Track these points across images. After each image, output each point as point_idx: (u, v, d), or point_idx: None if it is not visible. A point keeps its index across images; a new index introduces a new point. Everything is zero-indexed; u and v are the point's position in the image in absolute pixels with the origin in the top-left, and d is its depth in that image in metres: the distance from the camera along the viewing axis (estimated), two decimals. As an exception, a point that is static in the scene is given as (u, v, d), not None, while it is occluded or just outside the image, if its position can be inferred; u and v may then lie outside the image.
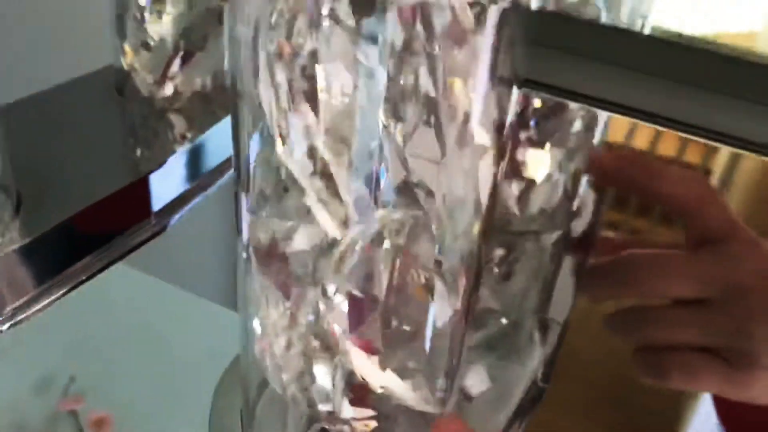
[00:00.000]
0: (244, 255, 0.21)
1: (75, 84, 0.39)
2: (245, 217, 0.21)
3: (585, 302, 0.33)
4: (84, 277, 0.34)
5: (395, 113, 0.17)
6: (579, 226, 0.37)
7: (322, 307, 0.20)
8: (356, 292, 0.19)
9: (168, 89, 0.39)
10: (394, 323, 0.20)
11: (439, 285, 0.20)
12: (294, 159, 0.18)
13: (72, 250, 0.34)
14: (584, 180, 0.38)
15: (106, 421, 0.87)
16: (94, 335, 0.81)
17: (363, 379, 0.23)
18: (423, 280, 0.20)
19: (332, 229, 0.19)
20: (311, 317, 0.22)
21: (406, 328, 0.21)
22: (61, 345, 0.79)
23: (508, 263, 0.36)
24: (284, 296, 0.22)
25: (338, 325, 0.20)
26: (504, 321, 0.33)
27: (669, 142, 2.31)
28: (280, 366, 0.24)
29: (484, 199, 0.20)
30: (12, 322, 0.32)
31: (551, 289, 0.32)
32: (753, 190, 2.03)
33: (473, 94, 0.17)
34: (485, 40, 0.16)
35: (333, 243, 0.20)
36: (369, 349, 0.20)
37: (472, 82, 0.17)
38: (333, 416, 0.25)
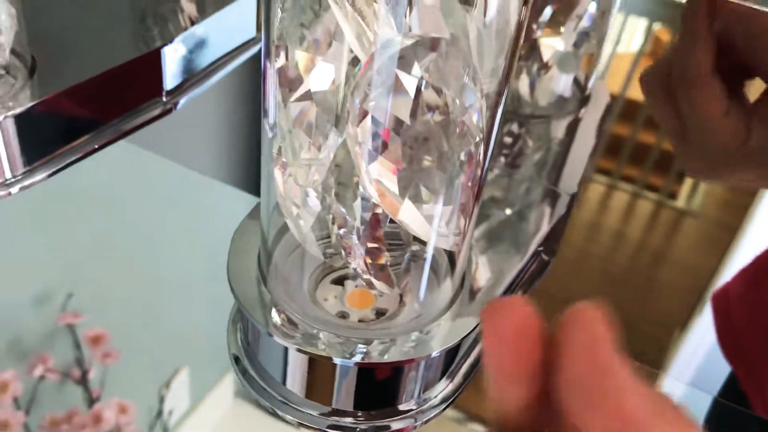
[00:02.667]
0: (270, 92, 0.22)
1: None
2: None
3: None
4: (96, 146, 0.34)
5: None
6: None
7: (349, 129, 0.21)
8: (382, 111, 0.20)
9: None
10: (416, 149, 0.21)
11: (463, 116, 0.20)
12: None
13: (83, 119, 0.34)
14: (595, 68, 0.38)
15: (102, 337, 0.88)
16: (95, 251, 0.81)
17: (378, 216, 0.23)
18: (447, 106, 0.20)
19: (358, 49, 0.19)
20: (333, 153, 0.22)
21: (428, 159, 0.21)
22: (61, 260, 0.79)
23: (515, 152, 0.36)
24: (307, 134, 0.22)
25: (363, 146, 0.20)
26: (508, 212, 0.34)
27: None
28: (299, 211, 0.24)
29: (511, 33, 0.20)
30: (21, 185, 0.33)
31: (561, 165, 0.33)
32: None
33: None
34: None
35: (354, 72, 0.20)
36: (391, 170, 0.20)
37: None
38: (349, 261, 0.26)
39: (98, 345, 0.88)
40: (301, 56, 0.21)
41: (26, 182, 0.33)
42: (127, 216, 0.77)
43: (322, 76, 0.21)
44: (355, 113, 0.20)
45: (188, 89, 0.38)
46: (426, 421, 0.26)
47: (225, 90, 0.54)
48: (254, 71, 0.61)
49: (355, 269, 0.25)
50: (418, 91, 0.20)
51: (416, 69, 0.19)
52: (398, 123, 0.20)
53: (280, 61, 0.21)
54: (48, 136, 0.33)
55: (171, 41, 0.36)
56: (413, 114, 0.20)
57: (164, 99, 0.37)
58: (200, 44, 0.38)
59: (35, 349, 0.85)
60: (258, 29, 0.42)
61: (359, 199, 0.22)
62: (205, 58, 0.39)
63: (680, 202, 2.28)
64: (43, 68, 0.33)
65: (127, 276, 0.87)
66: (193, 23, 0.38)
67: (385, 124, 0.20)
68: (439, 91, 0.20)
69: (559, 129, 0.35)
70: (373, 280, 0.24)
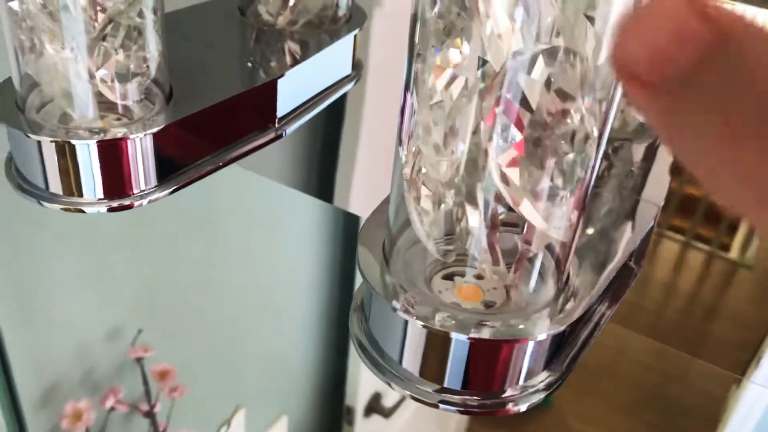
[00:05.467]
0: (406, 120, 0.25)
1: (204, 5, 0.44)
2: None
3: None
4: (220, 164, 0.38)
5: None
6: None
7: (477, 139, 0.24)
8: (512, 101, 0.23)
9: (286, 15, 0.44)
10: (540, 146, 0.24)
11: (579, 112, 0.23)
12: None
13: (207, 142, 0.38)
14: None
15: (170, 372, 0.92)
16: (168, 286, 0.85)
17: (497, 212, 0.26)
18: (568, 110, 0.23)
19: (492, 53, 0.23)
20: (463, 157, 0.25)
21: (550, 156, 0.24)
22: (133, 295, 0.83)
23: (600, 173, 0.39)
24: (440, 138, 0.25)
25: (493, 140, 0.23)
26: (590, 231, 0.37)
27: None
28: (422, 211, 0.28)
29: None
30: (150, 198, 0.36)
31: (645, 178, 0.35)
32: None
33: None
34: None
35: (486, 73, 0.24)
36: (514, 162, 0.23)
37: None
38: (460, 258, 0.29)
39: (165, 380, 0.91)
40: (436, 68, 0.25)
41: (155, 196, 0.37)
42: (212, 239, 0.81)
43: (455, 85, 0.25)
44: (489, 111, 0.23)
45: (296, 118, 0.42)
46: (529, 406, 0.29)
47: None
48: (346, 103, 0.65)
49: (473, 258, 0.28)
50: (544, 92, 0.23)
51: (542, 72, 0.23)
52: (524, 118, 0.23)
53: (422, 72, 0.25)
54: (177, 156, 0.37)
55: (283, 75, 0.40)
56: (539, 112, 0.23)
57: (276, 126, 0.41)
58: (307, 78, 0.42)
59: (107, 381, 0.88)
60: (353, 67, 0.46)
61: (483, 193, 0.25)
62: (310, 91, 0.43)
63: (733, 253, 2.25)
64: (178, 97, 0.37)
65: (196, 310, 0.91)
66: (296, 62, 0.42)
67: (514, 120, 0.23)
68: (562, 95, 0.23)
69: (640, 151, 0.38)
70: (487, 268, 0.27)
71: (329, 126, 0.50)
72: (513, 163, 0.24)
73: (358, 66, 0.47)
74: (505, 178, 0.24)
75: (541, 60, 0.23)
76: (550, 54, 0.23)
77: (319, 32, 0.44)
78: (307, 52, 0.43)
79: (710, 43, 0.13)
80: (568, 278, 0.30)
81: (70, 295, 0.75)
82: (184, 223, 0.76)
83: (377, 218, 0.30)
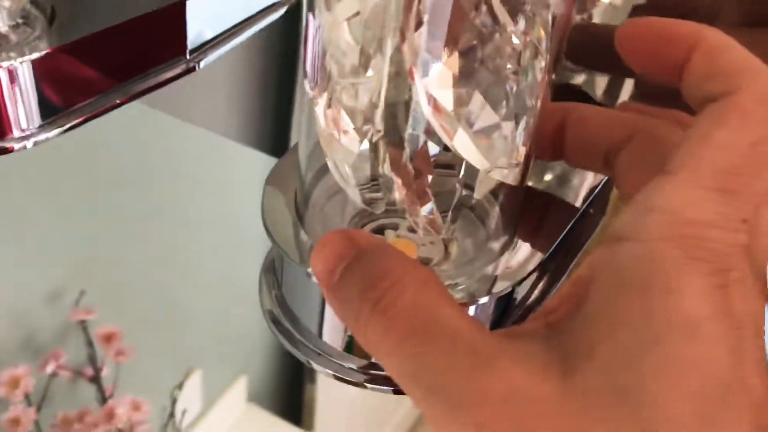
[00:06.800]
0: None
1: None
2: None
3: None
4: (117, 101, 0.33)
5: None
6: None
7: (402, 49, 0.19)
8: (440, 19, 0.18)
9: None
10: (475, 63, 0.19)
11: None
12: None
13: (102, 73, 0.33)
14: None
15: (115, 335, 0.86)
16: (110, 248, 0.79)
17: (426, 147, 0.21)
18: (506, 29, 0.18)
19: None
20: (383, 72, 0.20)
21: (486, 76, 0.19)
22: (74, 257, 0.78)
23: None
24: (353, 53, 0.20)
25: (419, 58, 0.18)
26: (550, 176, 0.32)
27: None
28: (342, 153, 0.23)
29: None
30: (36, 139, 0.31)
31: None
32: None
33: None
34: None
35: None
36: (448, 84, 0.18)
37: None
38: (391, 209, 0.24)
39: (111, 343, 0.86)
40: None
41: (42, 136, 0.31)
42: (144, 192, 0.75)
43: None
44: (412, 22, 0.18)
45: (212, 48, 0.36)
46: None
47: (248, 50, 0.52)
48: (280, 33, 0.60)
49: (401, 211, 0.23)
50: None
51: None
52: (456, 32, 0.18)
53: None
54: (64, 89, 0.31)
55: (194, -3, 0.34)
56: (472, 24, 0.18)
57: (187, 57, 0.35)
58: (224, 3, 0.36)
59: (48, 346, 0.83)
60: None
61: (408, 125, 0.20)
62: (231, 18, 0.37)
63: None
64: (63, 18, 0.31)
65: (141, 270, 0.86)
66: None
67: (443, 33, 0.18)
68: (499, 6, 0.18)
69: (602, 84, 0.33)
70: (418, 220, 0.22)
71: (275, 68, 0.44)
72: (444, 83, 0.19)
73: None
74: (434, 104, 0.19)
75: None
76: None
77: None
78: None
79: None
80: (515, 229, 0.25)
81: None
82: (111, 173, 0.70)
83: (289, 162, 0.25)
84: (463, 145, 0.20)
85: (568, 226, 0.29)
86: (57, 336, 0.85)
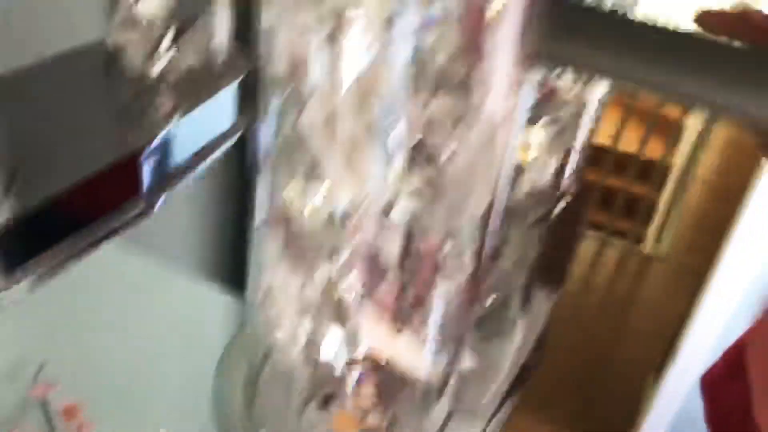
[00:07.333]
0: (260, 222, 0.22)
1: (62, 58, 0.39)
2: (263, 184, 0.21)
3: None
4: (75, 253, 0.34)
5: (418, 81, 0.17)
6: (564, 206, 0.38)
7: (334, 274, 0.21)
8: (371, 258, 0.20)
9: (157, 67, 0.39)
10: (407, 289, 0.21)
11: (451, 252, 0.20)
12: (313, 122, 0.18)
13: (61, 227, 0.34)
14: (571, 161, 0.39)
15: (76, 409, 0.86)
16: (70, 317, 0.79)
17: (369, 351, 0.23)
18: (436, 246, 0.20)
19: (348, 191, 0.20)
20: (323, 286, 0.22)
21: (418, 292, 0.21)
22: (33, 329, 0.77)
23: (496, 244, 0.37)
24: (297, 266, 0.22)
25: (352, 290, 0.20)
26: (493, 296, 0.34)
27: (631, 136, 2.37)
28: (287, 336, 0.24)
29: (496, 172, 0.21)
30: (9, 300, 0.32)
31: (541, 262, 0.33)
32: (712, 184, 2.10)
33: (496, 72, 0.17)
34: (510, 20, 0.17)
35: (346, 212, 0.20)
36: (382, 315, 0.20)
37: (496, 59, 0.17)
38: (337, 389, 0.26)
39: (72, 418, 0.85)
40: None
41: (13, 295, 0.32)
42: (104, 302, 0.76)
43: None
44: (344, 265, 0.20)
45: (166, 187, 0.37)
46: None
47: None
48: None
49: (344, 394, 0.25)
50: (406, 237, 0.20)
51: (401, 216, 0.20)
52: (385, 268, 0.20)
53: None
54: (28, 247, 0.32)
55: (150, 143, 0.36)
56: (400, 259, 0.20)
57: (142, 199, 0.36)
58: (177, 142, 0.38)
59: (5, 424, 0.82)
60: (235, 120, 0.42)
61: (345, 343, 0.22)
62: (183, 156, 0.38)
63: (647, 247, 2.31)
64: (24, 179, 0.32)
65: (102, 347, 0.85)
66: (169, 120, 0.38)
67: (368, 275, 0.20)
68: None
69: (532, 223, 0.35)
70: (354, 408, 0.24)
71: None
72: (378, 313, 0.20)
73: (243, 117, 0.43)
74: (369, 333, 0.21)
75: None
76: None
77: (198, 86, 0.40)
78: (180, 110, 0.39)
79: None
80: (457, 395, 0.27)
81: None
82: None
83: (239, 343, 0.26)
84: (392, 355, 0.22)
85: (511, 379, 0.31)
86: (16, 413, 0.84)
